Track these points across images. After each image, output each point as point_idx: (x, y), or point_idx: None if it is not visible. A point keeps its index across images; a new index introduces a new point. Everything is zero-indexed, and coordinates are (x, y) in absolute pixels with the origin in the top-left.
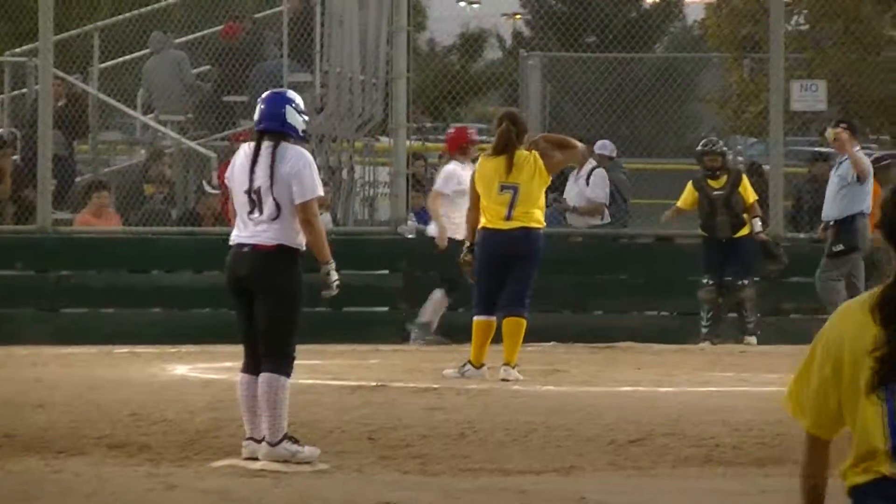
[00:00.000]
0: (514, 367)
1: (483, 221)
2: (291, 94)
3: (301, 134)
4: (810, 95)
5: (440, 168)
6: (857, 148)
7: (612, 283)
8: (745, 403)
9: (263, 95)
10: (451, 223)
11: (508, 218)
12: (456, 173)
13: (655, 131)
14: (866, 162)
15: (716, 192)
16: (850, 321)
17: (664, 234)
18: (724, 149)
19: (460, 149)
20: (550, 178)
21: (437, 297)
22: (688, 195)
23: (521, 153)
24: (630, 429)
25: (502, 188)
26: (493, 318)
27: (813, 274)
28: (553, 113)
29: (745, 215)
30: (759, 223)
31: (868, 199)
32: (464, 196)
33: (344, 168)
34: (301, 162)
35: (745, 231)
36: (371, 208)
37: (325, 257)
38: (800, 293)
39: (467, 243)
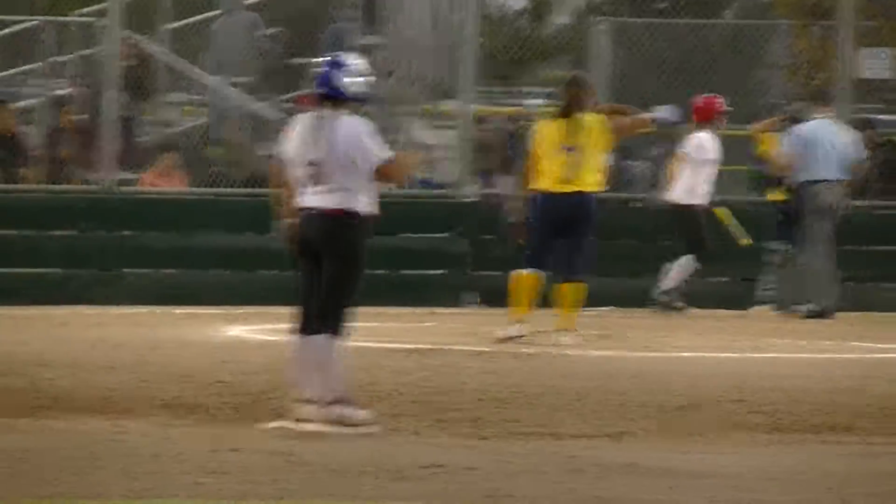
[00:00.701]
0: (570, 333)
1: (541, 183)
2: (344, 56)
3: (358, 96)
4: (879, 63)
5: (688, 136)
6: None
7: (671, 249)
8: (802, 370)
9: (322, 60)
10: (693, 190)
11: (567, 180)
12: (706, 141)
13: (725, 98)
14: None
15: None
16: None
17: (725, 199)
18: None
19: (709, 118)
20: (614, 144)
21: (684, 262)
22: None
23: (587, 116)
24: (684, 394)
25: (563, 149)
26: (539, 274)
27: (871, 242)
28: (622, 79)
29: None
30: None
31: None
32: (706, 165)
33: (411, 130)
34: (354, 132)
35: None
36: (436, 172)
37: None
38: (854, 261)
39: (518, 206)
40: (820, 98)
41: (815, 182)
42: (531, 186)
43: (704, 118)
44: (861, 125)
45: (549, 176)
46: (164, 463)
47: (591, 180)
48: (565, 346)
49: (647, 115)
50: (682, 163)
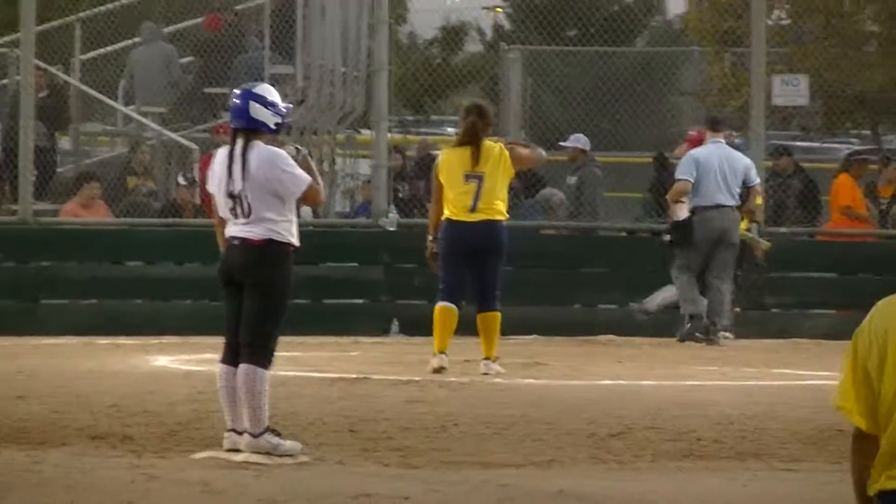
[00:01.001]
0: (494, 361)
1: (447, 213)
2: (259, 88)
3: (273, 127)
4: (791, 90)
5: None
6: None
7: (590, 277)
8: (725, 397)
9: (233, 94)
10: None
11: (473, 209)
12: None
13: (636, 125)
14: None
15: None
16: (892, 316)
17: (641, 227)
18: (738, 142)
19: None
20: (514, 172)
21: (672, 289)
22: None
23: (487, 143)
24: (610, 422)
25: (467, 178)
26: (454, 307)
27: (794, 269)
28: (533, 106)
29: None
30: (756, 230)
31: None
32: None
33: (325, 160)
34: (269, 162)
35: (741, 226)
36: (352, 201)
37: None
38: (781, 288)
39: (430, 237)
40: (714, 123)
41: (708, 208)
42: (437, 217)
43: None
44: (778, 152)
45: (454, 204)
46: (77, 493)
47: (498, 208)
48: (492, 374)
49: (542, 152)
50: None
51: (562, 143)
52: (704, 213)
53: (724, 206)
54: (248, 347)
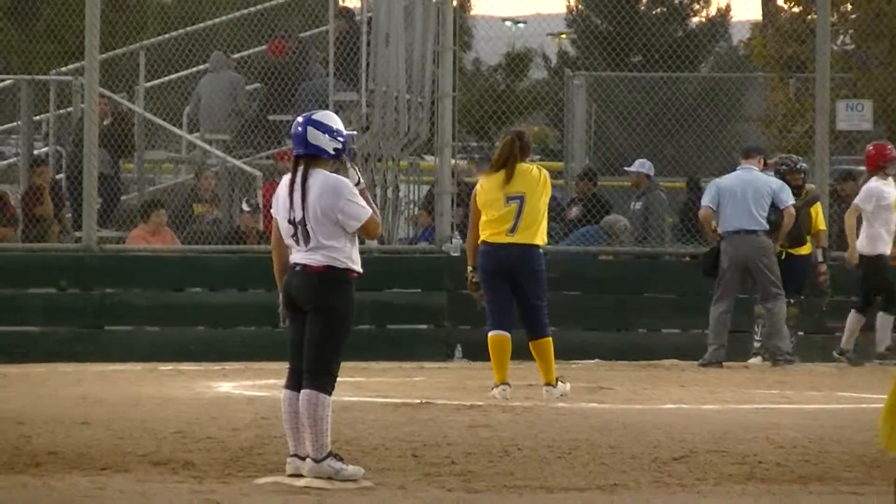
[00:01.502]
0: (555, 385)
1: (484, 236)
2: (319, 114)
3: (332, 153)
4: (856, 115)
5: (863, 186)
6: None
7: (653, 302)
8: (788, 420)
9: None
10: (871, 239)
11: (514, 230)
12: (878, 190)
13: (700, 151)
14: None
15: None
16: None
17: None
18: (805, 166)
19: (880, 166)
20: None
21: (852, 317)
22: None
23: (524, 165)
24: (673, 446)
25: (508, 200)
26: (507, 333)
27: (853, 293)
28: (598, 132)
29: (808, 237)
30: (821, 254)
31: None
32: (885, 212)
33: (389, 187)
34: (332, 191)
35: (804, 250)
36: (415, 227)
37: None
38: (844, 312)
39: (470, 267)
40: (746, 151)
41: (730, 233)
42: (474, 245)
43: (875, 165)
44: (842, 177)
45: (494, 226)
46: None
47: (538, 233)
48: (555, 399)
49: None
50: (857, 213)
51: (626, 168)
52: (728, 238)
53: (745, 231)
54: (311, 373)
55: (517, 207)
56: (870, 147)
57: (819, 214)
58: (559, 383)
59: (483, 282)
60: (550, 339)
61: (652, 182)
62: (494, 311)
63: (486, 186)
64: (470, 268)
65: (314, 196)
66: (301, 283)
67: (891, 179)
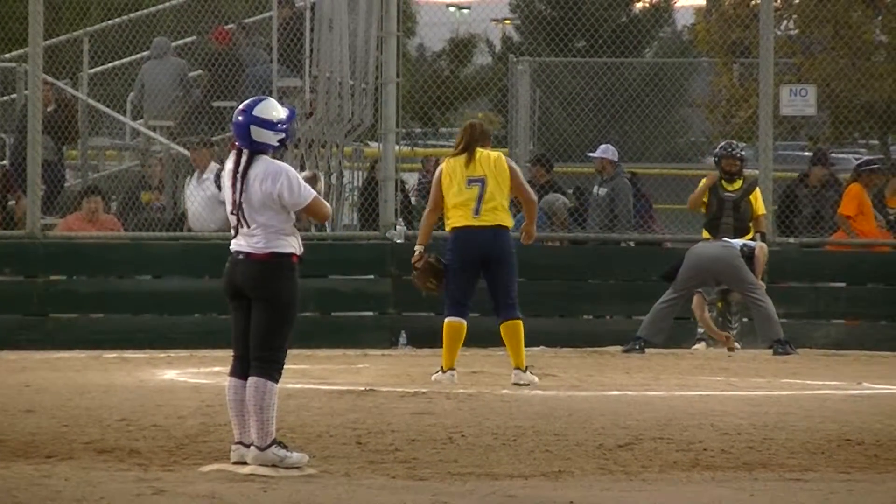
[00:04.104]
0: (525, 370)
1: (452, 222)
2: (260, 108)
3: (276, 145)
4: (800, 100)
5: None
6: None
7: (598, 288)
8: (733, 407)
9: (236, 111)
10: None
11: (477, 213)
12: None
13: (645, 136)
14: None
15: (727, 194)
16: None
17: (651, 238)
18: (743, 154)
19: None
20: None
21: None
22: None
23: (484, 151)
24: (619, 433)
25: (469, 182)
26: (464, 321)
27: (803, 279)
28: (542, 118)
29: (751, 224)
30: (760, 239)
31: None
32: None
33: (333, 173)
34: (272, 177)
35: (747, 238)
36: (360, 214)
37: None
38: (789, 298)
39: (420, 248)
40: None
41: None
42: (430, 227)
43: None
44: (812, 162)
45: (459, 209)
46: None
47: (502, 215)
48: (523, 382)
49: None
50: None
51: (590, 154)
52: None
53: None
54: (258, 361)
55: (479, 190)
56: None
57: (759, 200)
58: (528, 373)
59: (454, 268)
60: (521, 321)
61: (618, 168)
62: (456, 298)
63: (450, 170)
64: (419, 247)
65: (257, 182)
66: (245, 272)
67: None
